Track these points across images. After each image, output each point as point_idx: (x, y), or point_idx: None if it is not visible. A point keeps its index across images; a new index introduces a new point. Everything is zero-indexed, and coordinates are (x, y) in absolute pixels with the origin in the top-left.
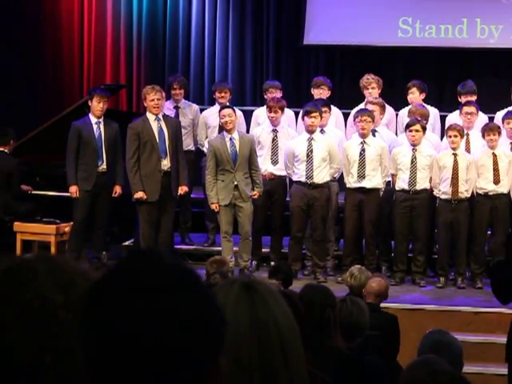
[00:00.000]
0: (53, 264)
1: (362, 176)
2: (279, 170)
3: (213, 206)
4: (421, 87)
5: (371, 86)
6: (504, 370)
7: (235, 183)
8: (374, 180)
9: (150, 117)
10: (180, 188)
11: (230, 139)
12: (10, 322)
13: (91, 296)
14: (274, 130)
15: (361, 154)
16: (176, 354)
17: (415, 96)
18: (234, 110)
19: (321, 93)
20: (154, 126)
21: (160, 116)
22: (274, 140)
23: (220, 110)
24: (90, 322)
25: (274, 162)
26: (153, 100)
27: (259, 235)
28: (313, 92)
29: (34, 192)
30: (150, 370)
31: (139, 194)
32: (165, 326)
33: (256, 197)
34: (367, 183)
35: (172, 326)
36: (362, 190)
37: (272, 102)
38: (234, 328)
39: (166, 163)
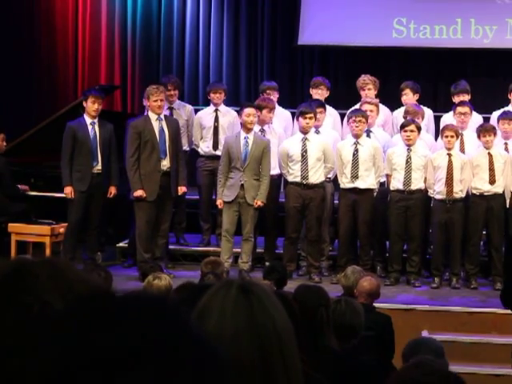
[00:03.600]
0: (55, 269)
1: (355, 176)
2: None
3: (218, 202)
4: (414, 88)
5: (367, 87)
6: (499, 371)
7: (242, 182)
8: (368, 180)
9: (152, 116)
10: (179, 188)
11: (245, 138)
12: (8, 325)
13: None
14: (261, 130)
15: (354, 154)
16: None
17: (409, 97)
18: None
19: (319, 93)
20: (156, 125)
21: (162, 116)
22: None
23: (241, 108)
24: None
25: None
26: (156, 100)
27: (254, 236)
28: (311, 92)
29: (28, 193)
30: None
31: (138, 192)
32: None
33: (256, 206)
34: (361, 184)
35: None
36: (355, 190)
37: (271, 104)
38: (234, 331)
39: (165, 163)
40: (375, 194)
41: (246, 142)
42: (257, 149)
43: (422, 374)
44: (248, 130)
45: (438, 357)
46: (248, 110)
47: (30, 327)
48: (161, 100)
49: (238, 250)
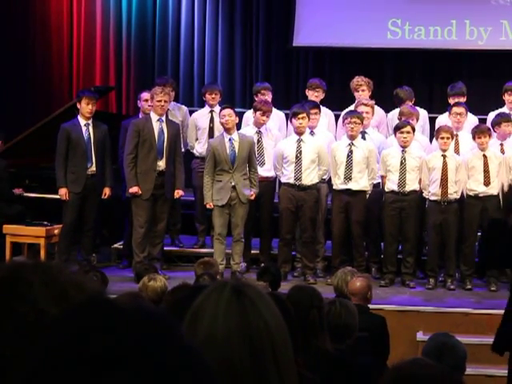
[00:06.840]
0: (49, 275)
1: (348, 178)
2: (266, 171)
3: (208, 205)
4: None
5: (361, 89)
6: (495, 372)
7: (233, 184)
8: (361, 182)
9: (154, 117)
10: (176, 192)
11: (230, 139)
12: (3, 335)
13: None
14: (258, 132)
15: (348, 155)
16: None
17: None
18: (234, 110)
19: (316, 95)
20: (156, 126)
21: (163, 118)
22: (259, 141)
23: (220, 110)
24: None
25: (261, 163)
26: (160, 101)
27: (249, 237)
28: (307, 94)
29: (24, 194)
30: None
31: (134, 189)
32: None
33: (253, 198)
34: (354, 185)
35: None
36: (348, 191)
37: (266, 106)
38: (226, 332)
39: (161, 164)
40: (367, 195)
41: (232, 143)
42: (244, 148)
43: (419, 368)
44: (229, 131)
45: (461, 364)
46: (223, 112)
47: (26, 334)
48: (164, 101)
49: (229, 251)
